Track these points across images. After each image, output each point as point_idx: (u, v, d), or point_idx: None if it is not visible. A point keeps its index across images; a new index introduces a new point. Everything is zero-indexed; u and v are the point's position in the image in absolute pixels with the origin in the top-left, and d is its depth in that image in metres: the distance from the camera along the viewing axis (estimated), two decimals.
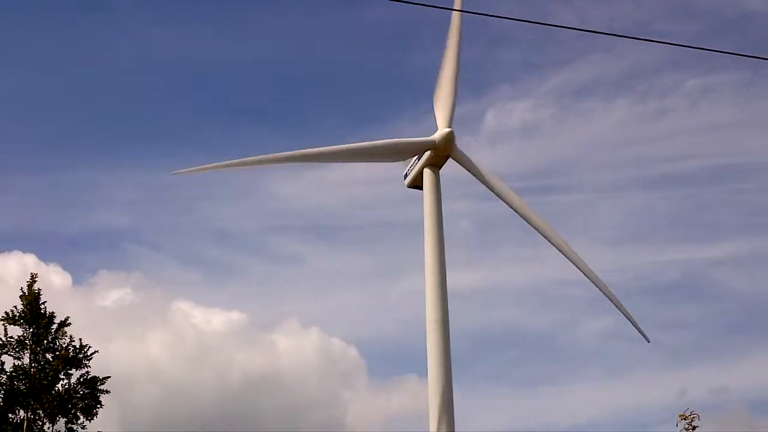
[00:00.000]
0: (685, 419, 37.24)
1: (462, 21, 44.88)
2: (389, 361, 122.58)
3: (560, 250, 44.48)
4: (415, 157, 45.81)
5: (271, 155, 42.98)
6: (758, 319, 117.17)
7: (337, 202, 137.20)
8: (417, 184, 45.76)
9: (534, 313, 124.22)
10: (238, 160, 43.10)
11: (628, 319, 45.31)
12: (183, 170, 42.23)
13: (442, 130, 44.44)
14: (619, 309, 45.12)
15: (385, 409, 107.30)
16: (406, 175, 46.67)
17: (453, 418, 40.74)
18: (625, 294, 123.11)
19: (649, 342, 45.99)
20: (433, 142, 44.34)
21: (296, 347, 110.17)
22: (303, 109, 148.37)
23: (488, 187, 44.93)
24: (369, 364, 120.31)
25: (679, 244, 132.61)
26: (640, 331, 45.46)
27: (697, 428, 37.04)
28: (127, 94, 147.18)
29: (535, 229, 44.77)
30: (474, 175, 44.99)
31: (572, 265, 44.56)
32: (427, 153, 44.69)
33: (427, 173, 44.90)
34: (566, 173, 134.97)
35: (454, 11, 43.69)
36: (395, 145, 44.67)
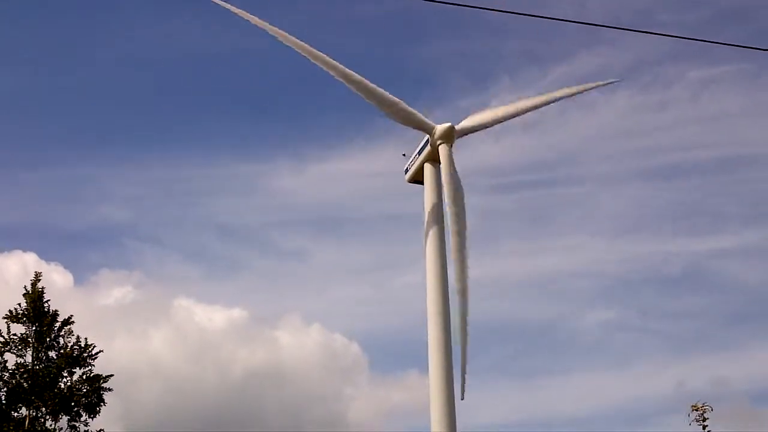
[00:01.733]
0: (696, 410, 37.13)
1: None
2: (391, 355, 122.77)
3: (455, 268, 42.42)
4: (416, 152, 45.84)
5: (286, 34, 43.44)
6: (763, 311, 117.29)
7: (339, 195, 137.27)
8: (418, 179, 45.80)
9: (534, 305, 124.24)
10: (274, 27, 43.68)
11: (462, 364, 41.81)
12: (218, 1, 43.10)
13: (445, 124, 44.46)
14: (461, 350, 41.95)
15: (387, 403, 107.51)
16: (406, 170, 46.72)
17: (454, 412, 40.83)
18: (626, 284, 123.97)
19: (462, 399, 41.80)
20: (432, 127, 44.38)
21: (298, 343, 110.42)
22: (304, 103, 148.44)
23: (444, 190, 43.40)
24: (371, 358, 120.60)
25: (683, 235, 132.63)
26: (463, 383, 41.73)
27: (707, 420, 36.95)
28: (127, 89, 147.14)
29: (453, 239, 42.67)
30: (442, 175, 43.74)
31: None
32: (427, 148, 44.72)
33: (428, 168, 44.94)
34: (569, 165, 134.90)
35: (459, 5, 43.43)
36: (400, 106, 44.31)
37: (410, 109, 44.51)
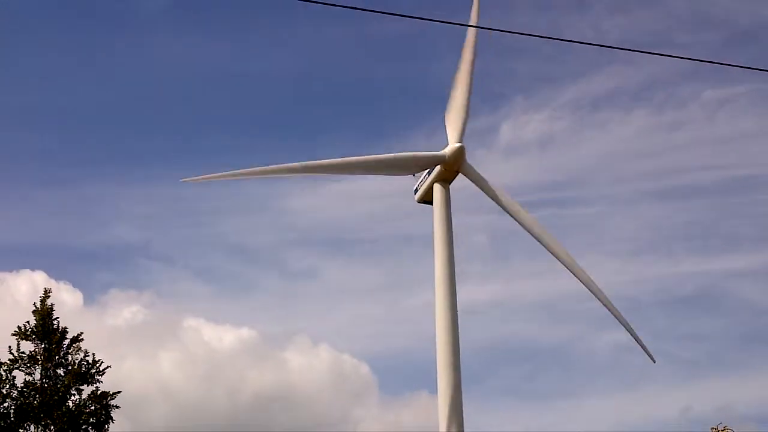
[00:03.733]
0: None
1: (477, 37, 44.89)
2: (400, 376, 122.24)
3: (568, 267, 44.20)
4: (425, 172, 45.79)
5: (280, 166, 43.21)
6: None
7: (350, 215, 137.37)
8: (427, 199, 45.72)
9: (546, 326, 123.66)
10: (247, 170, 43.36)
11: (634, 338, 44.92)
12: (192, 178, 42.61)
13: (452, 145, 44.41)
14: (625, 327, 44.77)
15: (396, 425, 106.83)
16: (416, 191, 46.65)
17: None
18: (637, 306, 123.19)
19: (654, 362, 45.56)
20: (443, 157, 44.32)
21: (307, 364, 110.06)
22: (315, 121, 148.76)
23: (497, 203, 44.79)
24: (380, 379, 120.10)
25: (697, 255, 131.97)
26: (646, 350, 45.07)
27: None
28: (139, 107, 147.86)
29: (543, 245, 44.51)
30: (483, 191, 44.91)
31: (580, 282, 44.30)
32: (437, 168, 44.67)
33: (437, 188, 44.86)
34: (582, 185, 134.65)
35: (470, 27, 43.72)
36: (405, 158, 44.69)
37: (413, 155, 44.80)
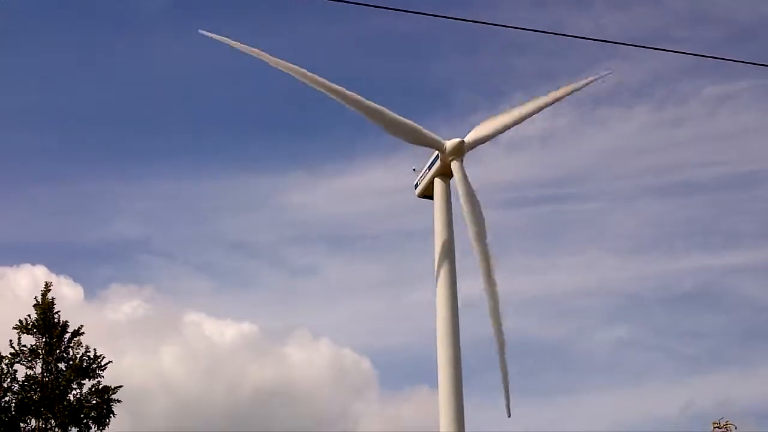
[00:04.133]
0: (719, 428, 36.88)
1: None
2: (401, 371, 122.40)
3: (484, 289, 42.75)
4: (426, 167, 45.82)
5: (299, 69, 43.26)
6: None
7: (351, 211, 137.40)
8: (427, 193, 45.75)
9: (546, 322, 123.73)
10: (266, 54, 43.54)
11: (504, 382, 42.80)
12: (211, 34, 43.39)
13: (455, 139, 44.40)
14: (501, 368, 42.95)
15: (396, 420, 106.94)
16: (416, 185, 46.69)
17: (464, 428, 40.64)
18: (638, 302, 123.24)
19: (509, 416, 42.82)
20: (442, 144, 44.28)
21: (308, 359, 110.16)
22: (313, 118, 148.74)
23: (463, 207, 43.40)
24: (380, 374, 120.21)
25: (698, 252, 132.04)
26: (507, 402, 42.76)
27: None
28: (140, 104, 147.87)
29: (478, 261, 42.77)
30: (459, 191, 43.82)
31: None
32: (438, 162, 44.69)
33: (438, 183, 44.88)
34: (583, 182, 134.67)
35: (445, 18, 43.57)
36: (408, 125, 44.21)
37: (418, 127, 44.39)
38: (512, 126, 46.10)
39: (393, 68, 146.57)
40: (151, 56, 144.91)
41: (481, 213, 43.28)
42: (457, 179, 43.64)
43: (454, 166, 43.80)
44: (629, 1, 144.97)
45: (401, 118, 43.94)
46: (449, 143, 44.27)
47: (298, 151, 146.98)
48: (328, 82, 43.29)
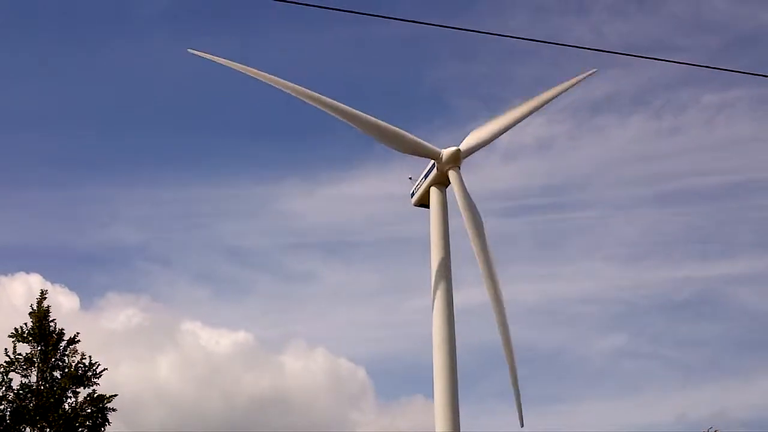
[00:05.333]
0: None
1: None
2: (397, 380, 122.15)
3: (490, 296, 42.16)
4: (422, 176, 45.76)
5: (291, 84, 43.05)
6: None
7: (347, 219, 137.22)
8: (424, 202, 45.68)
9: (544, 331, 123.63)
10: (257, 71, 43.23)
11: (515, 390, 42.07)
12: (200, 52, 43.01)
13: (451, 148, 44.33)
14: (511, 373, 42.08)
15: (392, 430, 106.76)
16: (412, 194, 46.63)
17: None
18: (636, 311, 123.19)
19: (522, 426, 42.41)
20: (438, 153, 44.20)
21: (303, 368, 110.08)
22: (314, 125, 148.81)
23: (463, 216, 43.32)
24: (376, 383, 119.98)
25: (695, 260, 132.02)
26: (520, 411, 42.25)
27: None
28: (136, 109, 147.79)
29: (482, 271, 42.38)
30: (457, 199, 43.72)
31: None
32: (433, 171, 44.62)
33: (434, 192, 44.81)
34: (581, 190, 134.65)
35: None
36: (402, 136, 44.09)
37: (412, 137, 44.29)
38: (507, 130, 46.04)
39: (389, 75, 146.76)
40: (150, 59, 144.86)
41: (480, 221, 43.19)
42: (455, 188, 43.57)
43: (452, 175, 43.73)
44: (629, 9, 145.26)
45: (396, 128, 43.86)
46: (445, 152, 44.19)
47: (295, 158, 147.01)
48: (321, 97, 43.21)
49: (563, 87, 47.83)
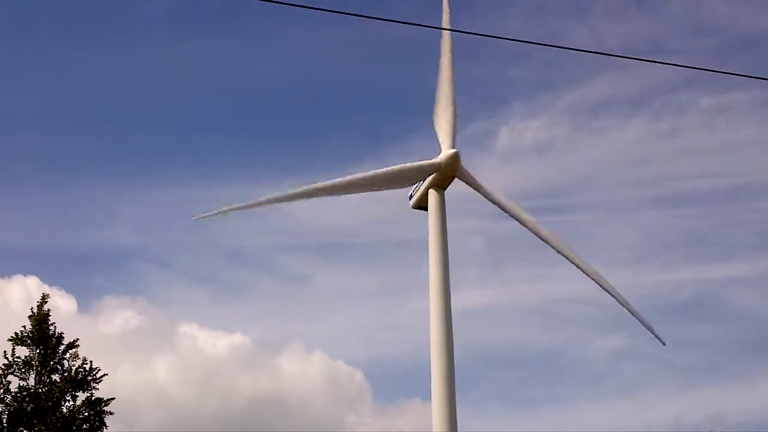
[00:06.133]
0: None
1: (452, 41, 45.24)
2: (394, 383, 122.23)
3: (574, 263, 44.49)
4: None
5: (285, 193, 44.34)
6: None
7: (345, 221, 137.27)
8: (422, 205, 45.77)
9: (542, 332, 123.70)
10: (256, 202, 44.45)
11: (647, 327, 45.40)
12: (204, 214, 43.96)
13: (446, 152, 44.41)
14: (636, 318, 45.18)
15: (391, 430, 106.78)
16: (411, 197, 46.68)
17: None
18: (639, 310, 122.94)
19: (664, 344, 46.17)
20: (438, 164, 44.33)
21: (301, 370, 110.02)
22: (314, 126, 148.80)
23: (497, 205, 44.97)
24: (374, 386, 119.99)
25: (694, 263, 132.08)
26: (657, 337, 45.47)
27: None
28: (136, 110, 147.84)
29: (547, 243, 44.73)
30: (482, 194, 44.96)
31: (587, 279, 44.39)
32: (432, 175, 44.70)
33: (432, 194, 44.92)
34: (580, 192, 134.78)
35: (444, 30, 43.94)
36: (401, 171, 44.65)
37: (407, 166, 44.81)
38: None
39: (388, 75, 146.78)
40: (149, 61, 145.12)
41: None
42: (473, 185, 44.20)
43: (461, 175, 44.43)
44: (627, 11, 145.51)
45: (390, 169, 44.44)
46: (444, 158, 44.41)
47: (293, 160, 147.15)
48: (318, 186, 44.16)
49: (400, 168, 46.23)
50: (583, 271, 44.28)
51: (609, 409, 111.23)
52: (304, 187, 44.07)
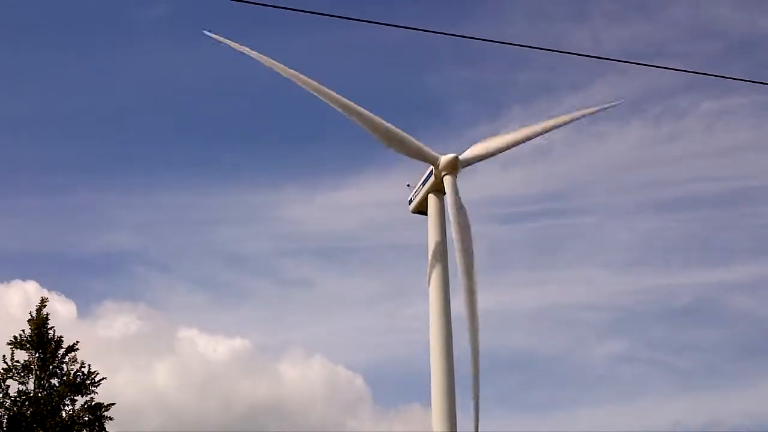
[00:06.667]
0: None
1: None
2: (394, 388, 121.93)
3: (464, 300, 41.54)
4: (420, 183, 45.80)
5: (309, 80, 43.40)
6: None
7: (345, 225, 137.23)
8: (421, 209, 45.72)
9: (542, 337, 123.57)
10: (273, 61, 43.62)
11: (474, 401, 40.71)
12: (216, 36, 43.34)
13: (449, 155, 44.37)
14: (473, 387, 40.86)
15: None
16: (410, 201, 46.66)
17: None
18: (633, 317, 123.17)
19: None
20: (436, 158, 44.29)
21: (301, 375, 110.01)
22: (314, 131, 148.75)
23: (451, 221, 42.98)
24: (373, 391, 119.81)
25: (693, 267, 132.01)
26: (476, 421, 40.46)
27: None
28: (136, 115, 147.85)
29: (460, 276, 41.93)
30: (448, 205, 43.65)
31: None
32: (431, 178, 44.67)
33: (432, 199, 44.86)
34: (579, 196, 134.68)
35: (444, 34, 43.63)
36: (403, 137, 44.15)
37: (413, 140, 44.39)
38: (512, 147, 45.97)
39: (391, 79, 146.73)
40: (148, 65, 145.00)
41: (468, 229, 42.67)
42: (447, 194, 43.58)
43: (447, 180, 43.74)
44: (628, 15, 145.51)
45: (401, 132, 44.03)
46: (443, 158, 44.26)
47: (294, 164, 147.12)
48: (332, 93, 43.41)
49: (582, 113, 47.60)
50: (467, 312, 41.14)
51: (609, 414, 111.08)
52: (324, 87, 43.23)
